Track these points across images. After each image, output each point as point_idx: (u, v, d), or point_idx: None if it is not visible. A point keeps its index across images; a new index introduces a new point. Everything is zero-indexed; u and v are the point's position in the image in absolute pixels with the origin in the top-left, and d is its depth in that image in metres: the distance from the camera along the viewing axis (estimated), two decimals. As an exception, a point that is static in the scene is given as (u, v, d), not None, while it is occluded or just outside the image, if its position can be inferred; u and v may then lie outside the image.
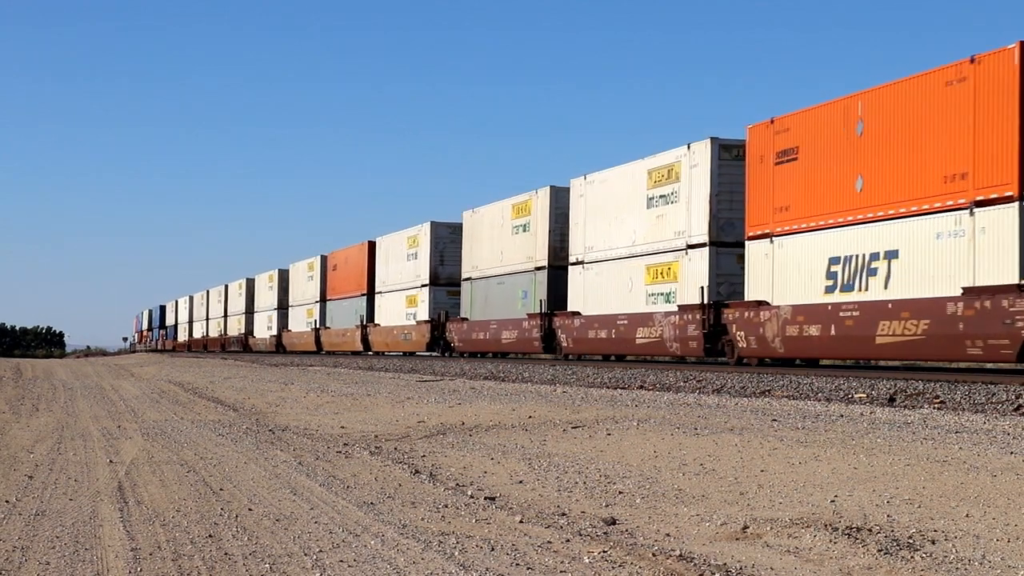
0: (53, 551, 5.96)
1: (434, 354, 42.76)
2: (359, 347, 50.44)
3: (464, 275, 40.64)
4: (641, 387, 19.57)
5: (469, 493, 7.78)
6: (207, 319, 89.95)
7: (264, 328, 69.47)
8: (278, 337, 64.83)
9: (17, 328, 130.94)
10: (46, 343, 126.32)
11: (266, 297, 69.39)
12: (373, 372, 30.16)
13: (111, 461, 9.86)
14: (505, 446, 10.41)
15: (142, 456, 10.24)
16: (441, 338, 41.84)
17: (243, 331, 75.03)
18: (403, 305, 45.95)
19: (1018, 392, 15.06)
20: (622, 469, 8.69)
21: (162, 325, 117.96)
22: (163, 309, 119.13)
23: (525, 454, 9.76)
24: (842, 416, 12.53)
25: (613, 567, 5.47)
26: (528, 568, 5.47)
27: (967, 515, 6.43)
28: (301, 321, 60.82)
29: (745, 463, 8.69)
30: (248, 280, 75.35)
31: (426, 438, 11.43)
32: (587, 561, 5.59)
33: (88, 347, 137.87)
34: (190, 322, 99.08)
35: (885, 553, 5.62)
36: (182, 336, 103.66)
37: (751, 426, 11.32)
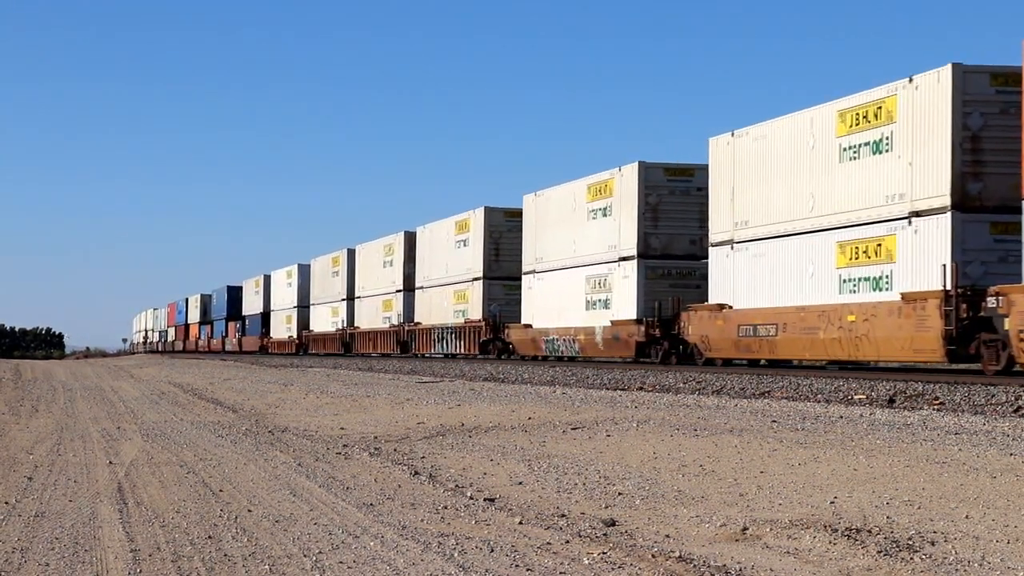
0: (53, 552, 5.96)
1: None
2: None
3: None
4: (641, 388, 19.58)
5: (469, 494, 7.78)
6: (348, 299, 55.65)
7: (570, 308, 32.64)
8: (651, 322, 28.71)
9: (16, 329, 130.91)
10: (45, 344, 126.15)
11: (574, 239, 32.78)
12: (372, 373, 30.19)
13: (111, 462, 9.86)
14: (505, 447, 10.41)
15: (142, 457, 10.24)
16: None
17: (474, 315, 40.14)
18: None
19: (1017, 394, 15.07)
20: (622, 470, 8.69)
21: (233, 315, 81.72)
22: (235, 292, 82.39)
23: (525, 455, 9.76)
24: (842, 417, 12.54)
25: (613, 568, 5.47)
26: (528, 569, 5.47)
27: (967, 516, 6.43)
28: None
29: (745, 464, 8.69)
30: (472, 214, 40.88)
31: (426, 439, 11.43)
32: (587, 562, 5.59)
33: (88, 348, 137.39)
34: (301, 307, 64.13)
35: (885, 554, 5.62)
36: (281, 330, 67.94)
37: (751, 427, 11.32)
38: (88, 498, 7.78)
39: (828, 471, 8.18)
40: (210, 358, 60.85)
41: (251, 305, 76.97)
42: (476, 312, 40.34)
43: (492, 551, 5.87)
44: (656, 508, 7.11)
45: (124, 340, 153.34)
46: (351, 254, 56.67)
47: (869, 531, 6.14)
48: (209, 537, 6.33)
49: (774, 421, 12.04)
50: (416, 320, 46.96)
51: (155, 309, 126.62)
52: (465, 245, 41.64)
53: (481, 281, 40.18)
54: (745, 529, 6.34)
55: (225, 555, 5.87)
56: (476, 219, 40.75)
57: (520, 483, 8.26)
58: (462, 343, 41.37)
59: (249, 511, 7.17)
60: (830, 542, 5.92)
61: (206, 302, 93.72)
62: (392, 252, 50.53)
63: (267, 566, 5.60)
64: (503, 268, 39.71)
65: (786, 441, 9.94)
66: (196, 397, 20.59)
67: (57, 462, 9.93)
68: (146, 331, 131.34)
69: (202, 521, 6.83)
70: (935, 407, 14.03)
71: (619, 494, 7.64)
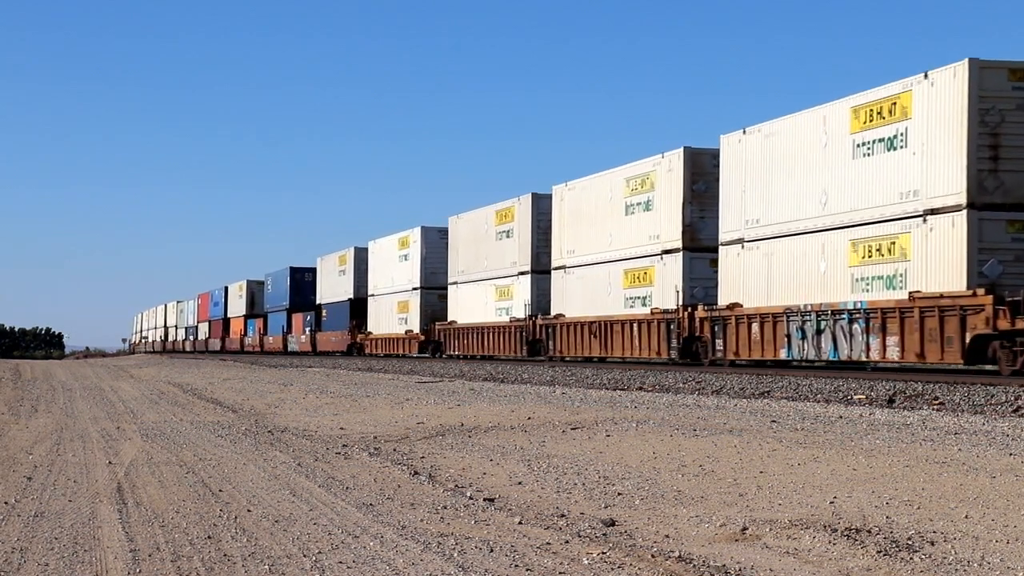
0: (52, 552, 5.96)
1: None
2: None
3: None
4: (640, 388, 19.58)
5: (468, 494, 7.78)
6: (535, 272, 36.83)
7: None
8: None
9: (16, 329, 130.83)
10: (45, 344, 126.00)
11: None
12: (372, 373, 30.17)
13: (110, 462, 9.86)
14: (504, 447, 10.41)
15: (141, 457, 10.24)
16: None
17: (921, 286, 19.90)
18: None
19: (1017, 394, 15.07)
20: (621, 470, 8.69)
21: (299, 304, 62.64)
22: (302, 275, 63.30)
23: (524, 455, 9.76)
24: (841, 417, 12.53)
25: (612, 568, 5.47)
26: (527, 569, 5.47)
27: (966, 516, 6.43)
28: None
29: (744, 464, 8.69)
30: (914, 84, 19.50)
31: (425, 439, 11.43)
32: (586, 562, 5.59)
33: (87, 348, 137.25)
34: (428, 288, 45.65)
35: (884, 554, 5.62)
36: (391, 323, 48.81)
37: (750, 427, 11.32)
38: (87, 498, 7.78)
39: (828, 471, 8.18)
40: (209, 358, 60.52)
41: (331, 290, 57.10)
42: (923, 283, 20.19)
43: (492, 551, 5.87)
44: (656, 508, 7.11)
45: (124, 340, 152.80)
46: (538, 202, 36.74)
47: (869, 531, 6.14)
48: (208, 537, 6.33)
49: (774, 421, 12.04)
50: (726, 302, 25.82)
51: (179, 302, 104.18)
52: (899, 147, 20.87)
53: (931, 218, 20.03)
54: (745, 529, 6.34)
55: (225, 555, 5.86)
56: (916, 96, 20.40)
57: (520, 483, 8.26)
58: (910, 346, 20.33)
59: (249, 511, 7.17)
60: (830, 542, 5.92)
61: (254, 290, 73.92)
62: (646, 187, 29.21)
63: (267, 566, 5.60)
64: (1010, 189, 19.43)
65: (786, 441, 9.94)
66: (195, 397, 20.58)
67: (56, 462, 9.92)
68: (165, 328, 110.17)
69: (201, 521, 6.83)
70: (935, 407, 14.02)
71: (619, 494, 7.64)
